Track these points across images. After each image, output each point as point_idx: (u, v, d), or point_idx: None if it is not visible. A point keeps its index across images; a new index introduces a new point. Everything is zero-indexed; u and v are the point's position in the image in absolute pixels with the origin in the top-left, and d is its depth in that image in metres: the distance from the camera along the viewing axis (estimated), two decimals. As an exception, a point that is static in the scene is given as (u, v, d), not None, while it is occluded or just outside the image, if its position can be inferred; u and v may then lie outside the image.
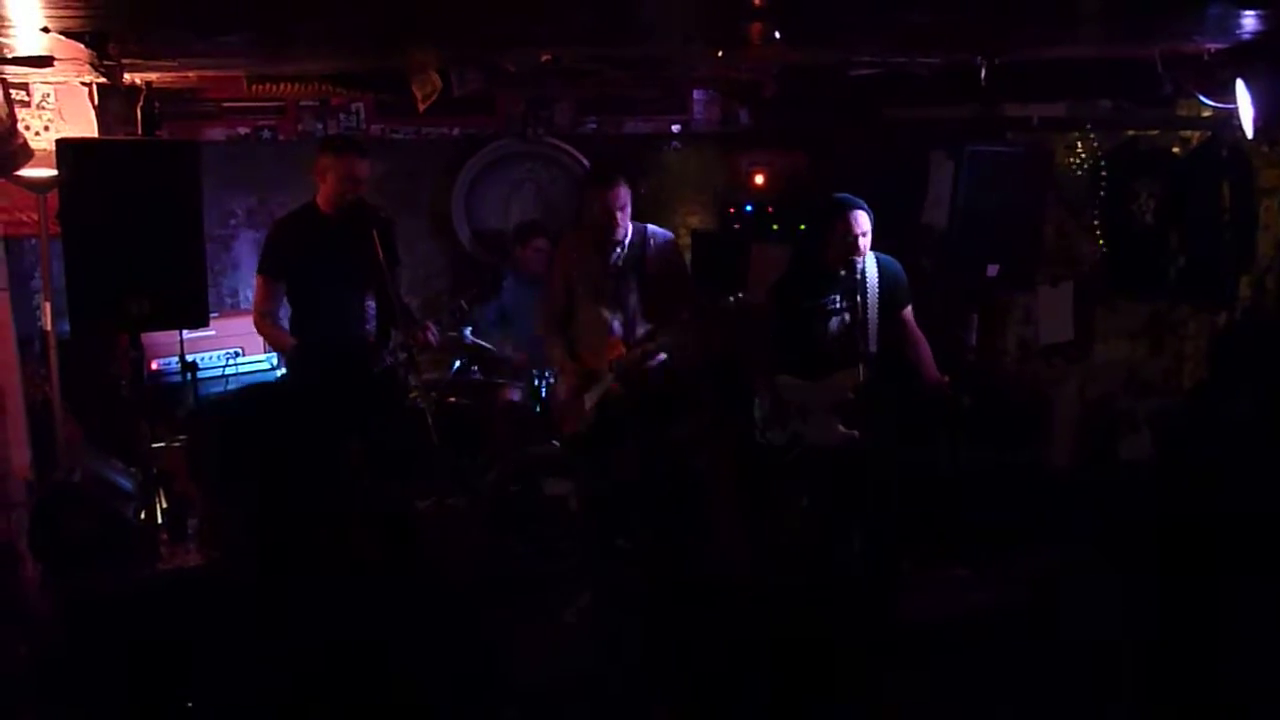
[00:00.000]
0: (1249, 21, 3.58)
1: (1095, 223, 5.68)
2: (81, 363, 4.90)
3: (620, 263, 4.54)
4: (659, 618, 4.47)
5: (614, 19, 3.30)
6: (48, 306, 4.64)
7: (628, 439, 4.88)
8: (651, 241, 4.60)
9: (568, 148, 6.40)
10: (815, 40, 3.82)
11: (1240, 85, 4.46)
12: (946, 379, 4.60)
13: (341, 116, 5.69)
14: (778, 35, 3.22)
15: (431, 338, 4.58)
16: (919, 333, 4.62)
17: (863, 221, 4.37)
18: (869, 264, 4.46)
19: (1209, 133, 5.45)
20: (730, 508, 5.08)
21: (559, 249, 4.73)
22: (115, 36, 2.93)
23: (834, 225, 4.40)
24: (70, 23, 2.70)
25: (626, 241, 4.53)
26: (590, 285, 4.60)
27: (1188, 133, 5.65)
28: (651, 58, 4.46)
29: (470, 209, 6.39)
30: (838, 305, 4.49)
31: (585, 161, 6.41)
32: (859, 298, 4.43)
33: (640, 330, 4.63)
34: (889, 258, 4.56)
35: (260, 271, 4.55)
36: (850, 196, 4.46)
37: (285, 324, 4.63)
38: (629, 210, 4.49)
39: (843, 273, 4.40)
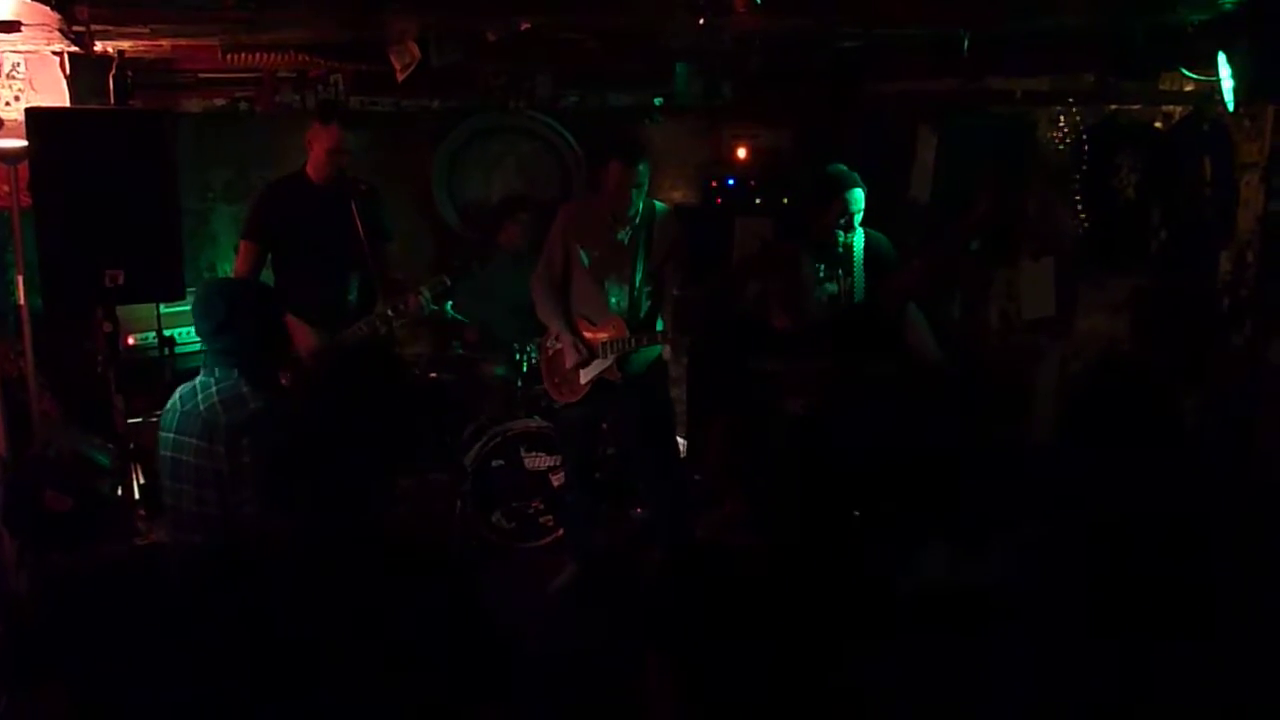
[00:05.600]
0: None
1: (1077, 197, 5.68)
2: (56, 337, 4.84)
3: (627, 239, 4.49)
4: (646, 589, 4.48)
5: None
6: (21, 280, 4.57)
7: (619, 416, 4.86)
8: (656, 216, 4.55)
9: (549, 120, 6.35)
10: (798, 7, 3.78)
11: (1222, 58, 4.46)
12: (947, 360, 4.60)
13: (320, 88, 5.61)
14: (759, 2, 3.18)
15: (418, 305, 4.56)
16: (917, 311, 4.61)
17: (859, 200, 4.39)
18: (856, 238, 4.47)
19: (1191, 107, 5.45)
20: (731, 477, 5.07)
21: (562, 216, 4.64)
22: (82, -2, 2.87)
23: (831, 202, 4.40)
24: (36, -17, 2.65)
25: (636, 220, 4.48)
26: (592, 258, 4.54)
27: (1170, 107, 5.65)
28: (634, 27, 4.41)
29: (452, 184, 6.34)
30: (822, 275, 4.48)
31: (567, 135, 6.36)
32: (842, 270, 4.47)
33: (642, 307, 4.57)
34: (877, 233, 4.55)
35: (244, 236, 4.53)
36: (847, 172, 4.45)
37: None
38: (645, 188, 4.44)
39: (828, 243, 4.42)
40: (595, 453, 5.11)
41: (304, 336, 4.41)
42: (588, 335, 4.55)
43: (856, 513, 4.60)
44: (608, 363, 4.52)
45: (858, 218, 4.42)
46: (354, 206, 4.44)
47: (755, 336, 4.55)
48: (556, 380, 4.71)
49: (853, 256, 4.50)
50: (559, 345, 4.63)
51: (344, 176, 4.51)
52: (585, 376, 4.59)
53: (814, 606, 2.54)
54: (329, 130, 4.45)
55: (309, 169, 4.50)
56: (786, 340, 4.46)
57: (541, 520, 5.19)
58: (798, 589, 2.58)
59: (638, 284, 4.51)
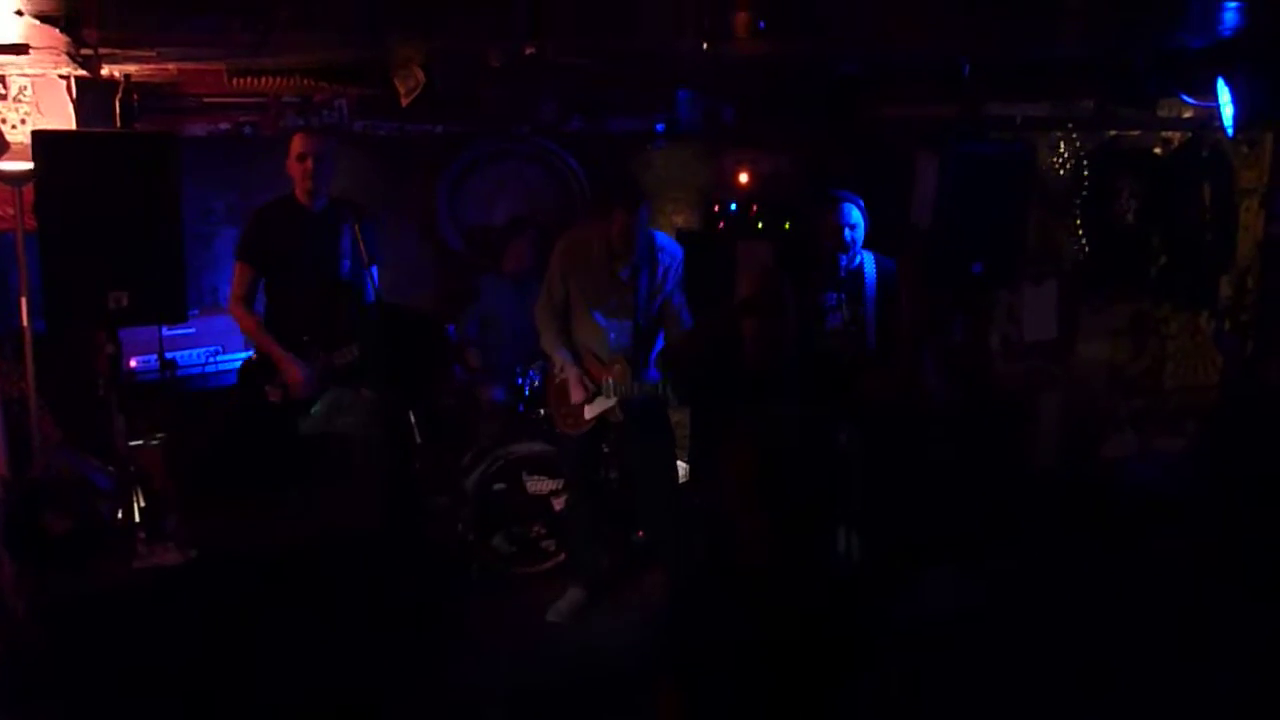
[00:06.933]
0: (1229, 17, 3.59)
1: (1078, 222, 5.71)
2: (58, 360, 4.84)
3: (625, 277, 4.50)
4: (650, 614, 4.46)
5: (600, 9, 3.29)
6: (24, 302, 4.58)
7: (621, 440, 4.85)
8: (660, 254, 4.54)
9: (552, 146, 6.37)
10: (799, 32, 3.80)
11: (1221, 83, 4.49)
12: (944, 388, 4.60)
13: (324, 113, 5.63)
14: (762, 26, 3.20)
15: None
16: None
17: (850, 214, 4.39)
18: (866, 262, 4.47)
19: (1190, 133, 5.48)
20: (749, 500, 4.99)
21: (560, 247, 4.66)
22: (91, 20, 2.90)
23: (824, 217, 4.42)
24: (45, 5, 2.67)
25: (636, 258, 4.48)
26: (591, 293, 4.55)
27: (1169, 133, 5.69)
28: (637, 51, 4.43)
29: (455, 210, 6.36)
30: (834, 303, 4.47)
31: (571, 160, 6.39)
32: (849, 297, 4.45)
33: (644, 343, 4.57)
34: (887, 259, 4.55)
35: (236, 257, 4.55)
36: (844, 191, 4.47)
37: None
38: (643, 232, 4.45)
39: (834, 267, 4.41)
40: (597, 476, 5.10)
41: (290, 367, 4.42)
42: (594, 371, 4.56)
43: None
44: (611, 403, 4.53)
45: (849, 233, 4.39)
46: (342, 230, 4.48)
47: (727, 375, 4.52)
48: (562, 410, 4.71)
49: (862, 282, 4.49)
50: (564, 376, 4.63)
51: (334, 200, 4.55)
52: (590, 412, 4.60)
53: (817, 634, 2.53)
54: (293, 139, 4.48)
55: (296, 191, 4.52)
56: (755, 381, 4.41)
57: (543, 544, 5.16)
58: (801, 615, 2.57)
59: (639, 321, 4.51)
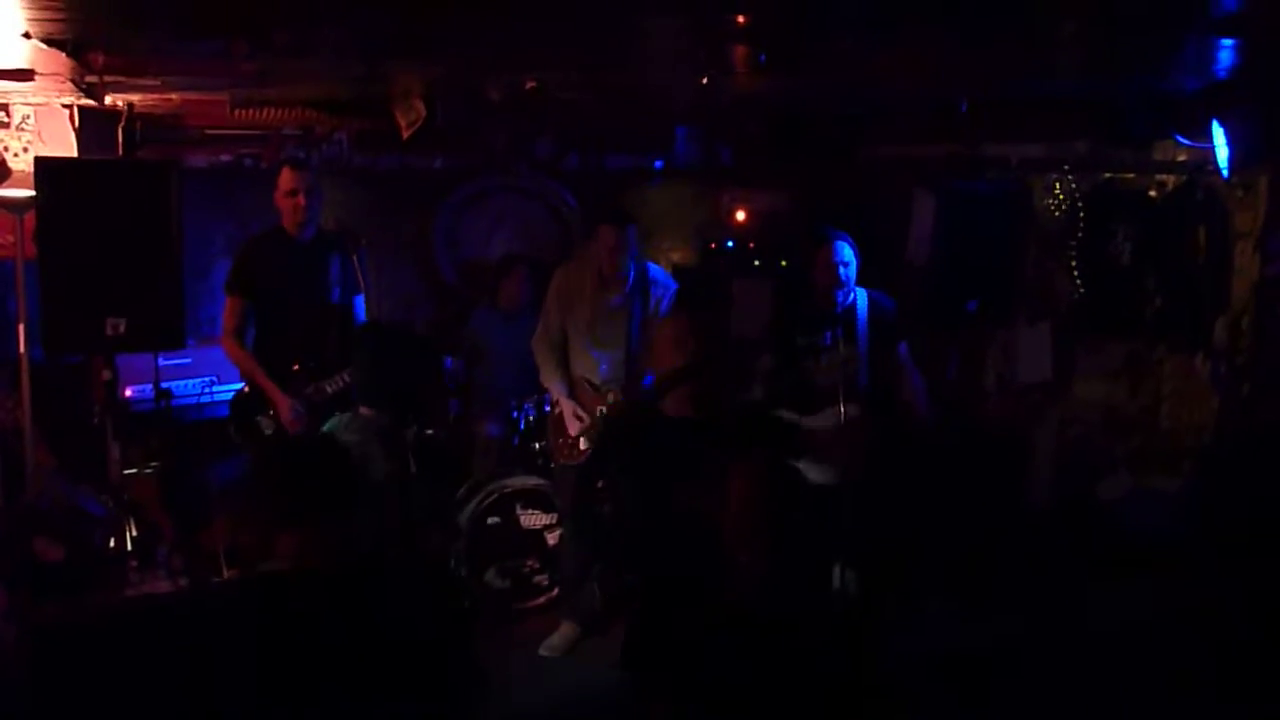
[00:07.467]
0: (1224, 55, 3.64)
1: (1073, 263, 5.74)
2: (54, 388, 4.83)
3: (616, 304, 4.52)
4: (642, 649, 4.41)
5: (600, 41, 3.32)
6: (21, 329, 4.57)
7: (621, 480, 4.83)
8: (653, 287, 4.56)
9: (550, 182, 6.41)
10: (798, 70, 3.85)
11: (1216, 125, 4.54)
12: (928, 419, 4.59)
13: (324, 146, 5.67)
14: (763, 60, 3.24)
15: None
16: (914, 371, 4.59)
17: (843, 251, 4.41)
18: (859, 299, 4.49)
19: (1185, 176, 5.52)
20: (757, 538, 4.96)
21: (555, 279, 4.70)
22: (96, 45, 2.93)
23: (816, 255, 4.44)
24: (51, 28, 2.69)
25: (627, 284, 4.50)
26: (584, 322, 4.57)
27: (1164, 175, 5.73)
28: (637, 85, 4.48)
29: (453, 243, 6.38)
30: (829, 341, 4.48)
31: (568, 196, 6.42)
32: (847, 332, 4.45)
33: (631, 373, 4.58)
34: (881, 294, 4.57)
35: (226, 290, 4.56)
36: (833, 228, 4.50)
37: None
38: (631, 252, 4.47)
39: (829, 304, 4.41)
40: (592, 510, 5.08)
41: (280, 402, 4.42)
42: (588, 402, 4.56)
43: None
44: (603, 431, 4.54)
45: (843, 270, 4.41)
46: (331, 259, 4.50)
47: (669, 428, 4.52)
48: (559, 441, 4.72)
49: (854, 318, 4.50)
50: (560, 409, 4.65)
51: (322, 229, 4.58)
52: (584, 444, 4.62)
53: (815, 673, 2.52)
54: (281, 174, 4.50)
55: (285, 223, 4.54)
56: (697, 430, 4.39)
57: (536, 579, 5.12)
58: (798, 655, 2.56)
59: (631, 351, 4.52)
